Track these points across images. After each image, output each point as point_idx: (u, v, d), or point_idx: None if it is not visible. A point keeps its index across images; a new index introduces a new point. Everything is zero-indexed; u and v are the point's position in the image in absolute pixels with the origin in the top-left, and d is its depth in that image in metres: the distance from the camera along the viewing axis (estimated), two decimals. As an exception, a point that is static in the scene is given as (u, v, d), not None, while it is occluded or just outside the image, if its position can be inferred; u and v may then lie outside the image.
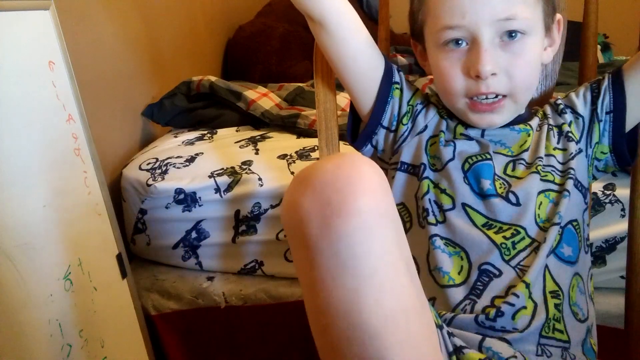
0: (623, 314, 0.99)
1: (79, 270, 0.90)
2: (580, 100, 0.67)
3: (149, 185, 1.08)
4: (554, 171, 0.63)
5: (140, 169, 1.13)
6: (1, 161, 0.77)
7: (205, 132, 1.30)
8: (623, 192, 0.98)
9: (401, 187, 0.67)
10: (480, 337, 0.56)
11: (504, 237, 0.60)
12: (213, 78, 1.38)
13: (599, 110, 0.65)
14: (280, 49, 1.97)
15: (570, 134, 0.65)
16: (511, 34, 0.60)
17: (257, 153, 1.14)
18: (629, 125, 0.65)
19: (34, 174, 0.83)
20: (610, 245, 1.01)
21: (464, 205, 0.62)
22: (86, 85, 1.04)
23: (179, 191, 1.08)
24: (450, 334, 0.54)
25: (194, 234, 1.12)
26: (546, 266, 0.59)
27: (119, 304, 1.02)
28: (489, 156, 0.64)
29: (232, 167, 1.10)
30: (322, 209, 0.41)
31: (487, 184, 0.62)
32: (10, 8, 0.83)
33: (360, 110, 0.69)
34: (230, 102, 1.32)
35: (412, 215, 0.65)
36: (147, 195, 1.10)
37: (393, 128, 0.68)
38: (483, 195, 0.62)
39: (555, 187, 0.62)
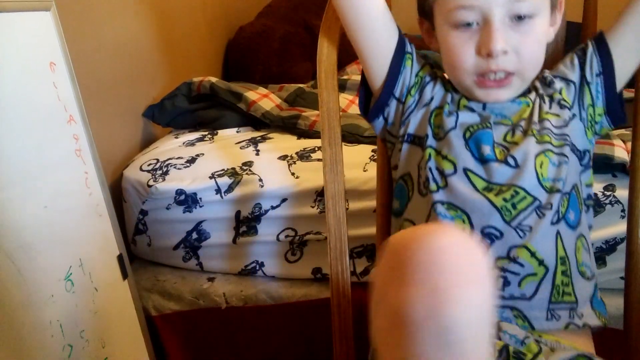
0: (623, 315, 1.00)
1: (80, 271, 0.90)
2: (569, 67, 0.70)
3: (149, 186, 1.09)
4: (549, 134, 0.65)
5: (141, 169, 1.14)
6: (2, 162, 0.77)
7: (206, 133, 1.30)
8: (623, 193, 0.98)
9: (406, 157, 0.70)
10: (496, 326, 0.58)
11: (504, 199, 0.62)
12: (214, 79, 1.38)
13: (587, 74, 0.68)
14: (281, 50, 1.97)
15: (563, 101, 0.68)
16: (520, 17, 0.62)
17: (257, 154, 1.14)
18: (620, 84, 0.67)
19: (35, 174, 0.83)
20: (610, 246, 1.01)
21: (465, 170, 0.64)
22: (87, 86, 1.05)
23: (179, 192, 1.08)
24: None
25: (194, 235, 1.12)
26: (558, 233, 0.61)
27: (120, 305, 1.02)
28: (489, 125, 0.66)
29: (233, 168, 1.10)
30: (428, 294, 0.40)
31: (487, 149, 0.64)
32: (12, 9, 0.83)
33: (373, 81, 0.71)
34: (231, 103, 1.32)
35: (414, 184, 0.68)
36: (148, 196, 1.10)
37: (403, 99, 0.70)
38: (483, 161, 0.64)
39: (554, 149, 0.65)
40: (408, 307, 0.41)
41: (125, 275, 1.04)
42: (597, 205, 1.00)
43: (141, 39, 1.41)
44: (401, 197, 0.71)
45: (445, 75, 0.73)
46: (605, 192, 0.99)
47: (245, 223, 1.10)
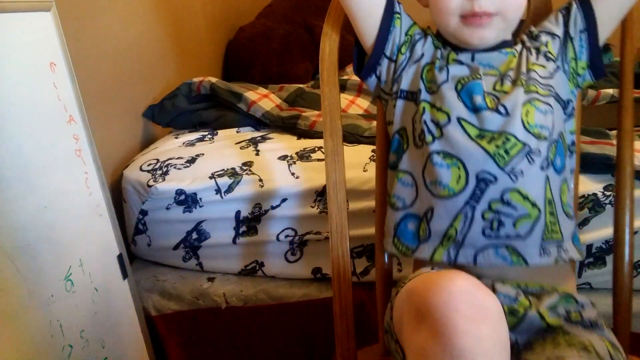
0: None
1: (80, 270, 0.90)
2: (553, 23, 0.74)
3: (149, 186, 1.09)
4: (536, 84, 0.69)
5: (141, 170, 1.14)
6: (2, 162, 0.77)
7: (206, 133, 1.30)
8: (623, 192, 0.98)
9: (401, 113, 0.73)
10: (490, 282, 0.64)
11: (497, 145, 0.66)
12: (214, 79, 1.38)
13: (571, 30, 0.72)
14: (281, 50, 1.97)
15: (548, 53, 0.72)
16: None
17: (257, 154, 1.14)
18: (602, 39, 0.72)
19: (35, 175, 0.83)
20: (610, 246, 1.00)
21: (458, 119, 0.68)
22: (87, 86, 1.05)
23: (179, 192, 1.08)
24: None
25: (194, 235, 1.12)
26: (547, 177, 0.67)
27: (120, 305, 1.03)
28: (479, 76, 0.70)
29: (233, 168, 1.10)
30: (442, 332, 0.51)
31: (478, 99, 0.68)
32: (12, 9, 0.83)
33: (364, 41, 0.74)
34: (231, 103, 1.32)
35: (409, 137, 0.72)
36: (148, 196, 1.10)
37: (394, 58, 0.74)
38: (476, 110, 0.68)
39: (541, 98, 0.69)
40: (427, 348, 0.52)
41: (125, 275, 1.04)
42: (597, 205, 1.00)
43: (141, 39, 1.41)
44: (397, 150, 0.74)
45: (434, 33, 0.77)
46: (606, 192, 0.99)
47: (245, 223, 1.10)
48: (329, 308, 0.95)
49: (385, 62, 0.74)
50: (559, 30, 0.73)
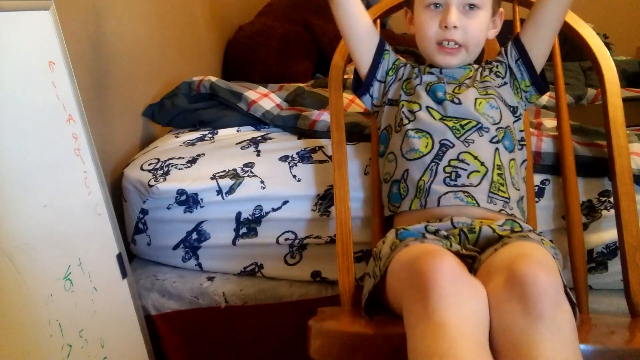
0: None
1: (79, 270, 0.90)
2: (500, 55, 0.99)
3: (150, 186, 1.08)
4: (487, 89, 0.95)
5: (142, 169, 1.13)
6: (1, 161, 0.77)
7: (206, 132, 1.30)
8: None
9: (387, 114, 0.99)
10: (449, 219, 0.84)
11: (454, 123, 0.91)
12: (214, 78, 1.38)
13: (510, 61, 0.97)
14: (281, 49, 1.97)
15: (498, 72, 0.98)
16: (471, 6, 0.93)
17: (258, 154, 1.14)
18: (537, 64, 0.95)
19: (34, 174, 0.83)
20: (611, 250, 1.01)
21: (427, 107, 0.93)
22: (86, 85, 1.05)
23: (180, 192, 1.08)
24: (435, 231, 0.82)
25: (194, 235, 1.12)
26: (497, 150, 0.90)
27: (119, 304, 1.02)
28: (443, 82, 0.96)
29: (234, 170, 1.10)
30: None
31: (440, 94, 0.94)
32: (10, 8, 0.83)
33: (361, 69, 1.01)
34: (231, 102, 1.32)
35: (392, 129, 0.97)
36: (148, 196, 1.10)
37: (383, 79, 1.01)
38: (439, 102, 0.94)
39: (491, 97, 0.93)
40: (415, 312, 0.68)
41: (124, 275, 1.04)
42: (592, 211, 1.00)
43: (141, 38, 1.40)
44: (384, 141, 0.98)
45: (413, 62, 1.04)
46: (601, 198, 0.99)
47: (246, 225, 1.10)
48: (328, 306, 0.95)
49: (376, 84, 1.01)
50: (504, 59, 0.98)
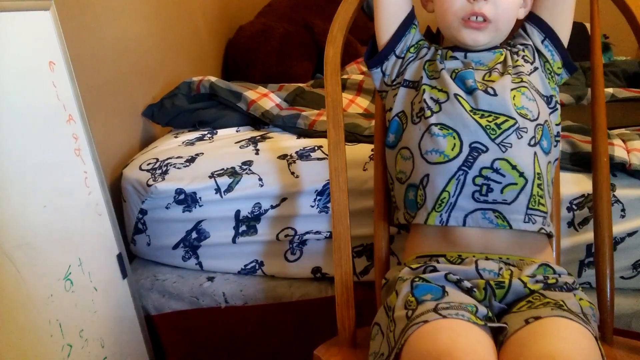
0: (622, 313, 1.00)
1: (79, 270, 0.90)
2: (521, 37, 0.87)
3: (149, 186, 1.08)
4: (522, 76, 0.81)
5: (140, 169, 1.14)
6: (1, 161, 0.77)
7: (206, 132, 1.30)
8: (623, 192, 0.98)
9: (403, 98, 0.84)
10: (474, 265, 0.72)
11: (488, 120, 0.76)
12: (213, 78, 1.38)
13: (535, 42, 0.85)
14: (280, 49, 1.97)
15: (525, 57, 0.84)
16: None
17: (257, 153, 1.14)
18: (564, 37, 0.84)
19: (34, 174, 0.83)
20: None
21: (455, 95, 0.78)
22: (86, 85, 1.05)
23: (179, 191, 1.08)
24: (457, 280, 0.71)
25: (194, 234, 1.12)
26: (535, 153, 0.76)
27: (119, 304, 1.03)
28: (471, 67, 0.82)
29: (233, 168, 1.10)
30: None
31: (470, 82, 0.79)
32: (11, 8, 0.83)
33: (381, 37, 0.87)
34: (231, 102, 1.32)
35: (407, 117, 0.82)
36: (147, 196, 1.10)
37: (402, 55, 0.86)
38: (469, 92, 0.79)
39: (526, 86, 0.80)
40: None
41: (124, 275, 1.04)
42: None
43: (141, 38, 1.41)
44: (396, 131, 0.84)
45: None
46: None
47: (245, 222, 1.10)
48: (328, 307, 0.95)
49: (392, 59, 0.86)
50: (528, 41, 0.85)
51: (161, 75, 1.51)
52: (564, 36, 0.84)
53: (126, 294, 1.05)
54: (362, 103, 1.46)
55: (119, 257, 1.03)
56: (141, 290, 1.14)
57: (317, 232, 1.08)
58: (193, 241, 1.13)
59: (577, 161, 1.01)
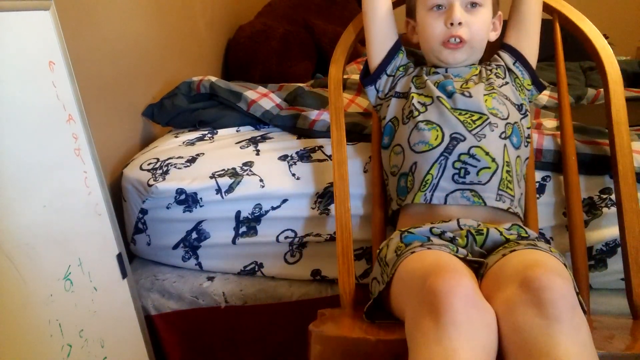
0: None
1: (79, 270, 0.90)
2: (497, 60, 1.03)
3: (150, 186, 1.08)
4: (494, 85, 0.97)
5: (141, 169, 1.13)
6: (1, 161, 0.77)
7: (206, 132, 1.30)
8: (622, 193, 0.98)
9: (394, 107, 1.01)
10: (455, 220, 0.85)
11: (465, 117, 0.92)
12: (213, 78, 1.38)
13: (508, 64, 1.01)
14: (281, 49, 1.97)
15: (497, 74, 1.00)
16: (473, 4, 0.96)
17: (257, 154, 1.14)
18: (531, 58, 1.00)
19: (34, 174, 0.83)
20: (610, 248, 1.01)
21: (438, 97, 0.94)
22: (86, 85, 1.05)
23: (180, 191, 1.08)
24: (440, 233, 0.83)
25: (194, 235, 1.12)
26: (505, 146, 0.91)
27: (119, 304, 1.02)
28: (450, 78, 0.98)
29: (233, 168, 1.10)
30: None
31: (450, 87, 0.95)
32: (11, 8, 0.83)
33: (373, 60, 1.03)
34: (231, 102, 1.32)
35: (399, 121, 0.98)
36: (148, 195, 1.10)
37: (393, 74, 1.03)
38: (449, 95, 0.95)
39: (497, 92, 0.95)
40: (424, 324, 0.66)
41: (124, 275, 1.04)
42: (592, 209, 1.00)
43: (141, 38, 1.41)
44: (390, 133, 1.00)
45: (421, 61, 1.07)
46: (602, 195, 0.99)
47: (245, 223, 1.10)
48: (328, 307, 0.95)
49: (384, 78, 1.03)
50: (501, 62, 1.01)
51: (161, 75, 1.51)
52: (532, 59, 1.00)
53: (126, 294, 1.05)
54: (362, 103, 1.45)
55: (119, 257, 1.03)
56: (141, 290, 1.14)
57: (317, 235, 1.08)
58: (193, 241, 1.13)
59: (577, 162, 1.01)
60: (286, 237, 1.09)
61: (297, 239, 1.09)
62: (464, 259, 0.76)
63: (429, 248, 0.77)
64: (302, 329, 1.12)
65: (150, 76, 1.45)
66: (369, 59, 1.04)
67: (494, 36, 1.03)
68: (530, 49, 1.00)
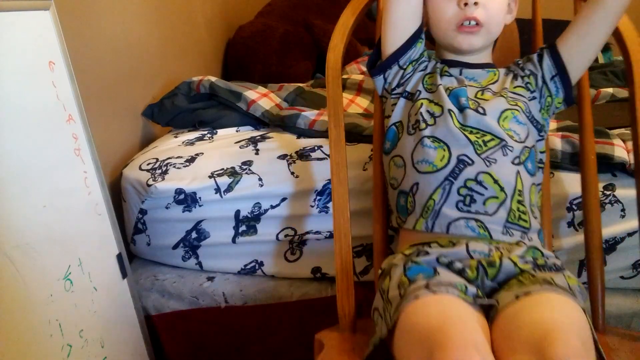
0: (622, 313, 1.00)
1: (79, 270, 0.90)
2: (533, 64, 0.89)
3: (149, 186, 1.08)
4: (518, 100, 0.85)
5: (140, 169, 1.13)
6: (1, 161, 0.77)
7: (206, 132, 1.30)
8: (623, 192, 0.98)
9: (401, 109, 0.89)
10: (464, 246, 0.75)
11: (477, 137, 0.81)
12: (213, 78, 1.38)
13: (545, 75, 0.87)
14: (280, 49, 1.97)
15: (528, 84, 0.88)
16: None
17: (257, 153, 1.14)
18: (574, 79, 0.87)
19: (34, 174, 0.83)
20: (610, 245, 1.00)
21: (449, 110, 0.83)
22: (86, 85, 1.05)
23: (179, 191, 1.08)
24: (448, 263, 0.74)
25: (194, 234, 1.12)
26: (518, 172, 0.80)
27: (119, 304, 1.03)
28: (464, 86, 0.86)
29: (233, 168, 1.10)
30: None
31: (463, 100, 0.84)
32: (11, 8, 0.83)
33: (386, 47, 0.89)
34: (231, 102, 1.32)
35: (404, 128, 0.87)
36: (147, 196, 1.10)
37: (405, 67, 0.90)
38: (461, 109, 0.83)
39: (521, 111, 0.84)
40: None
41: (124, 275, 1.04)
42: None
43: (141, 38, 1.41)
44: (392, 139, 0.89)
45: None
46: (605, 192, 0.99)
47: (245, 222, 1.10)
48: (328, 307, 0.95)
49: (395, 68, 0.90)
50: (538, 72, 0.87)
51: (161, 75, 1.51)
52: (576, 76, 0.87)
53: (126, 294, 1.05)
54: (362, 103, 1.46)
55: (119, 257, 1.03)
56: (141, 290, 1.14)
57: (317, 232, 1.08)
58: (193, 241, 1.13)
59: (578, 161, 1.01)
60: (286, 235, 1.09)
61: (297, 237, 1.09)
62: (473, 302, 0.68)
63: (434, 291, 0.68)
64: (303, 329, 1.12)
65: (150, 76, 1.45)
66: (383, 43, 0.90)
67: (510, 18, 0.90)
68: (580, 66, 0.86)
